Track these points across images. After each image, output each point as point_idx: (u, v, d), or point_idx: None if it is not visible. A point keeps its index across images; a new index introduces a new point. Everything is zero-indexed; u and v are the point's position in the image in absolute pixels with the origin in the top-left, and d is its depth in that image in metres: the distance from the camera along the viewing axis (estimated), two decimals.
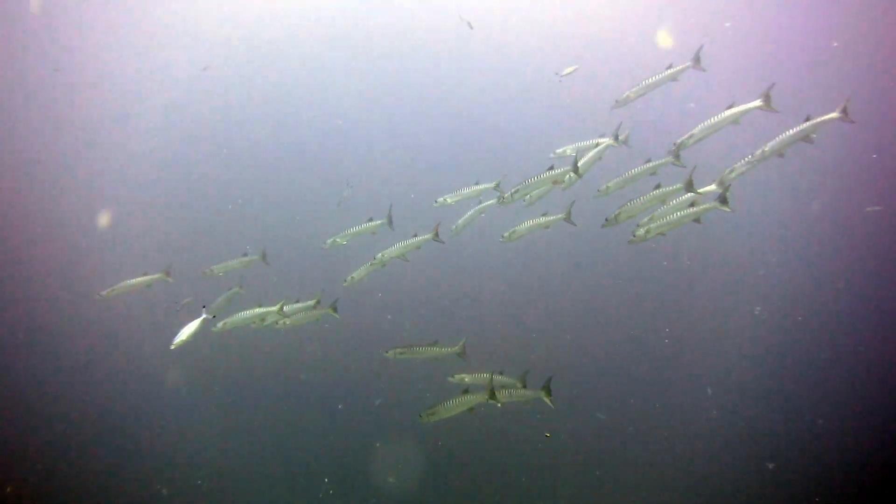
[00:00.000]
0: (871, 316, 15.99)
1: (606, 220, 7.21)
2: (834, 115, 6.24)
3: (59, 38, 17.37)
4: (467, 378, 7.71)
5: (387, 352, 7.98)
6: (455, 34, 19.47)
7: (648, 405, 14.26)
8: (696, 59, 7.14)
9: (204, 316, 5.74)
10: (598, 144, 8.05)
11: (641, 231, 7.16)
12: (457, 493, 11.89)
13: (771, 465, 12.43)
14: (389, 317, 14.89)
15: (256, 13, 18.80)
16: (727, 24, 17.37)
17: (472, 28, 14.69)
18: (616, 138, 7.80)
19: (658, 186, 6.97)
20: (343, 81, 20.36)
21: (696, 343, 15.74)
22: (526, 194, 7.96)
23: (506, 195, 7.96)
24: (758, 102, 6.61)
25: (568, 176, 7.74)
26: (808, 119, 6.38)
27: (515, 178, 8.01)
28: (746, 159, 6.70)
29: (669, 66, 7.25)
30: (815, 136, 6.44)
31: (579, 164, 7.61)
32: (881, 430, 12.94)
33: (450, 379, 7.78)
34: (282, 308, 8.02)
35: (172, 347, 5.59)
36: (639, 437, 13.52)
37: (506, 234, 8.59)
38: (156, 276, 8.37)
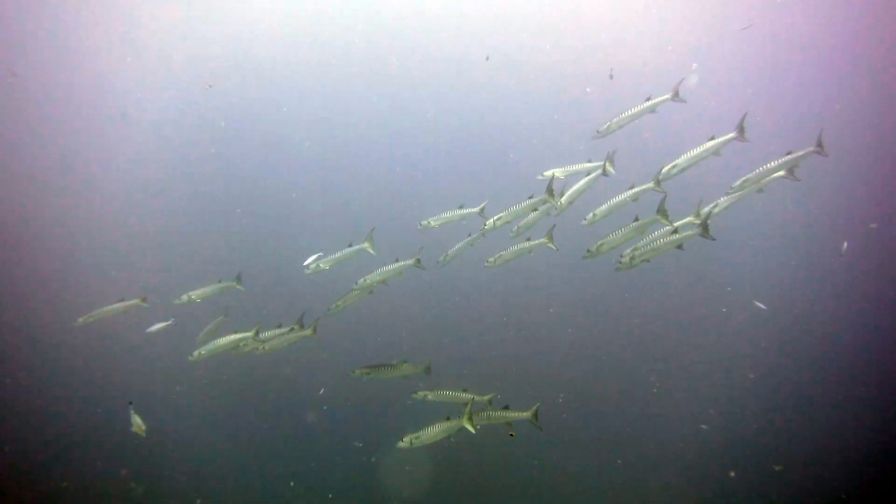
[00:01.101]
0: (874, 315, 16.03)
1: (588, 251, 7.19)
2: (810, 149, 6.26)
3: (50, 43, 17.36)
4: (430, 395, 7.68)
5: (354, 371, 7.95)
6: (454, 56, 19.67)
7: (643, 415, 14.23)
8: (676, 92, 7.19)
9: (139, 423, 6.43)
10: (588, 173, 8.06)
11: (627, 258, 7.18)
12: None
13: (777, 467, 12.35)
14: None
15: (255, 35, 18.86)
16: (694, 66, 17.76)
17: (487, 59, 15.01)
18: (604, 170, 7.80)
19: (636, 219, 6.98)
20: (336, 103, 20.43)
21: (689, 349, 15.75)
22: (508, 222, 7.95)
23: (488, 223, 7.96)
24: (732, 135, 6.69)
25: (559, 203, 7.75)
26: (789, 153, 6.40)
27: (512, 198, 8.05)
28: (729, 194, 6.75)
29: (648, 98, 7.30)
30: (798, 171, 6.45)
31: (563, 197, 7.63)
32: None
33: (413, 395, 7.75)
34: (257, 333, 7.94)
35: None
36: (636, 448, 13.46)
37: (491, 260, 8.56)
38: (132, 302, 8.34)
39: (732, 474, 12.24)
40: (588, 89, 18.49)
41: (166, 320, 8.37)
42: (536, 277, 16.74)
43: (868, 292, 16.66)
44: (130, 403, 6.42)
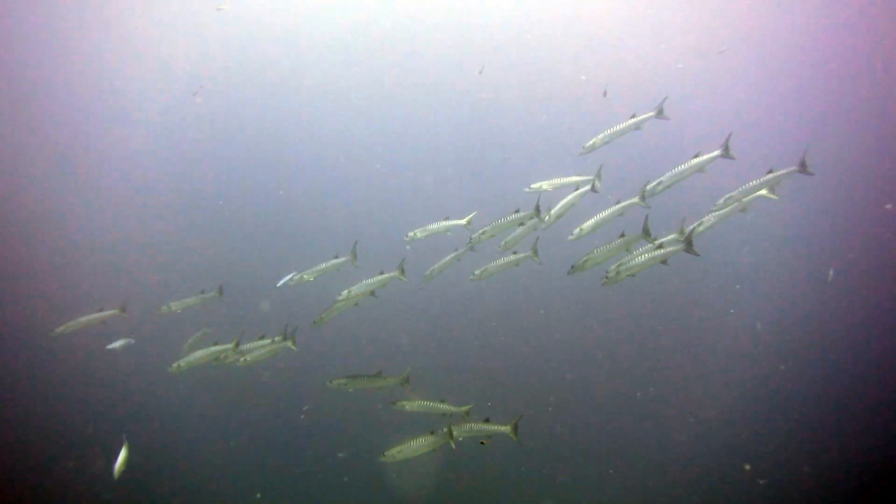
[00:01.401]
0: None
1: (573, 266, 7.20)
2: (792, 168, 6.32)
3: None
4: (408, 406, 7.61)
5: (330, 381, 7.85)
6: (447, 60, 19.71)
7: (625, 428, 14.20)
8: (660, 110, 7.27)
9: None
10: (576, 186, 8.08)
11: (613, 273, 7.21)
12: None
13: (762, 481, 12.31)
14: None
15: (249, 40, 18.79)
16: (679, 64, 17.83)
17: (481, 73, 15.24)
18: (593, 186, 7.82)
19: (623, 234, 7.01)
20: (328, 109, 20.39)
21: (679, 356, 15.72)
22: (493, 235, 7.96)
23: (474, 236, 7.97)
24: (717, 152, 6.74)
25: (547, 217, 7.77)
26: (770, 171, 6.45)
27: (503, 205, 8.03)
28: (713, 211, 6.80)
29: (633, 116, 7.36)
30: (778, 188, 6.51)
31: (552, 211, 7.63)
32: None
33: (392, 406, 7.67)
34: (237, 345, 7.85)
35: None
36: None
37: (476, 273, 8.57)
38: (111, 312, 8.24)
39: (747, 467, 12.20)
40: (583, 77, 18.59)
41: (127, 337, 8.26)
42: (528, 280, 16.70)
43: (871, 297, 16.58)
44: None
